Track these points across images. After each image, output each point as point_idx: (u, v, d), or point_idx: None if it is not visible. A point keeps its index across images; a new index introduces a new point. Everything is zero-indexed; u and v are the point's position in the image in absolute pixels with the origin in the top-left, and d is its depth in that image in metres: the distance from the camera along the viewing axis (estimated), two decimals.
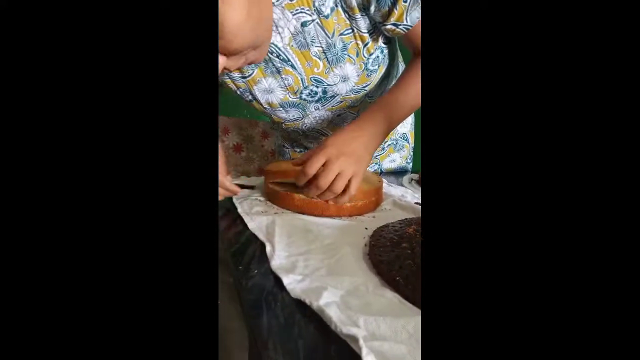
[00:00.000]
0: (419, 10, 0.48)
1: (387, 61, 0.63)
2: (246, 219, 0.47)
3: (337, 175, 0.46)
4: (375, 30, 0.55)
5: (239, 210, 0.51)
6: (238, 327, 0.45)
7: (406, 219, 0.45)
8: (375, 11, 0.49)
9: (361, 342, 0.23)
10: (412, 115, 0.80)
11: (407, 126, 0.79)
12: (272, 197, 0.54)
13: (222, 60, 0.44)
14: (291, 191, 0.51)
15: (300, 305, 0.29)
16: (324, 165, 0.46)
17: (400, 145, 0.79)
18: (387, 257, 0.35)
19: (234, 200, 0.55)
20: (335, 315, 0.26)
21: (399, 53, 0.69)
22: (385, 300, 0.29)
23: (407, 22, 0.49)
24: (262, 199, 0.55)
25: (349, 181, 0.47)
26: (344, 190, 0.47)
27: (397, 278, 0.31)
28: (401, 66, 0.71)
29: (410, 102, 0.53)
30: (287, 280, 0.32)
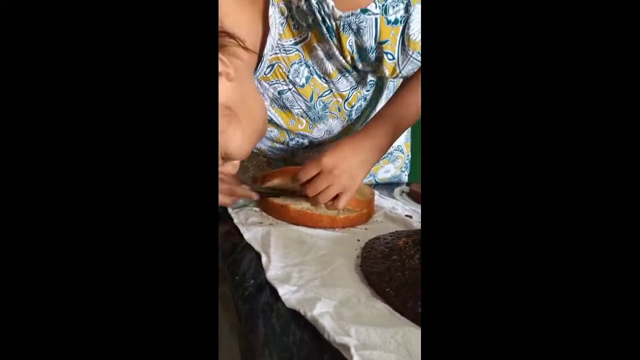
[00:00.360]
0: (412, 63, 0.48)
1: (371, 100, 0.65)
2: (242, 230, 0.48)
3: (326, 187, 0.49)
4: (359, 83, 0.56)
5: (235, 220, 0.52)
6: (228, 337, 0.46)
7: (397, 231, 0.47)
8: (364, 67, 0.51)
9: (352, 350, 0.24)
10: None
11: (401, 138, 0.81)
12: (267, 208, 0.55)
13: (235, 163, 0.49)
14: (283, 196, 0.54)
15: (295, 315, 0.30)
16: (318, 174, 0.49)
17: (395, 156, 0.81)
18: (378, 269, 0.36)
19: (230, 210, 0.56)
20: (328, 325, 0.27)
21: None
22: (376, 311, 0.30)
23: (402, 74, 0.50)
24: (257, 209, 0.57)
25: (338, 195, 0.49)
26: (333, 202, 0.50)
27: (388, 289, 0.32)
28: (392, 84, 0.74)
29: (411, 113, 0.54)
30: (282, 291, 0.33)
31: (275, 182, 0.55)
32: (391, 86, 0.73)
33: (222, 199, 0.54)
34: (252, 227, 0.49)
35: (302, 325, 0.29)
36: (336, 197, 0.50)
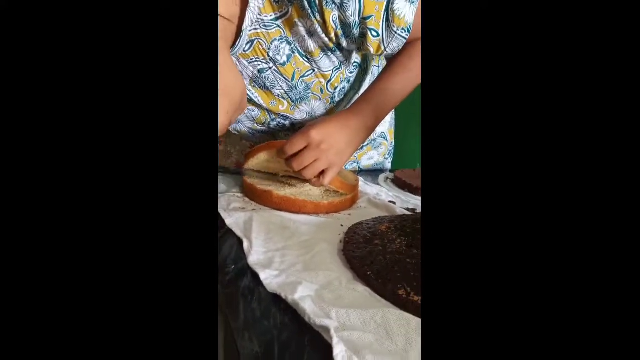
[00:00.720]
0: (397, 39, 0.47)
1: (354, 82, 0.64)
2: (224, 215, 0.48)
3: (313, 162, 0.48)
4: (342, 64, 0.55)
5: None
6: None
7: (379, 216, 0.47)
8: (349, 44, 0.50)
9: (332, 332, 0.24)
10: (392, 113, 0.83)
11: (385, 125, 0.81)
12: (250, 194, 0.55)
13: None
14: (267, 179, 0.54)
15: (276, 299, 0.30)
16: (304, 148, 0.48)
17: (378, 143, 0.82)
18: (360, 253, 0.36)
19: None
20: (309, 308, 0.27)
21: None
22: (357, 293, 0.31)
23: (387, 51, 0.49)
24: (240, 195, 0.56)
25: (324, 171, 0.49)
26: (318, 177, 0.50)
27: (369, 273, 0.33)
28: (377, 69, 0.73)
29: (397, 93, 0.54)
30: (264, 276, 0.33)
31: (262, 156, 0.55)
32: (375, 71, 0.73)
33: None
34: (235, 213, 0.48)
35: (283, 309, 0.29)
36: (322, 173, 0.50)
